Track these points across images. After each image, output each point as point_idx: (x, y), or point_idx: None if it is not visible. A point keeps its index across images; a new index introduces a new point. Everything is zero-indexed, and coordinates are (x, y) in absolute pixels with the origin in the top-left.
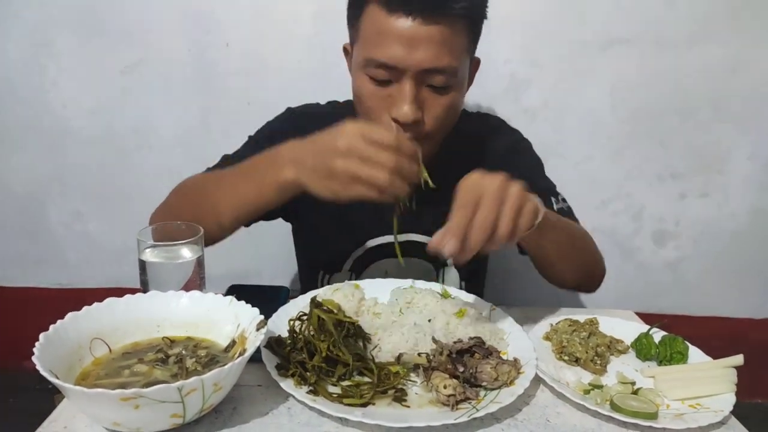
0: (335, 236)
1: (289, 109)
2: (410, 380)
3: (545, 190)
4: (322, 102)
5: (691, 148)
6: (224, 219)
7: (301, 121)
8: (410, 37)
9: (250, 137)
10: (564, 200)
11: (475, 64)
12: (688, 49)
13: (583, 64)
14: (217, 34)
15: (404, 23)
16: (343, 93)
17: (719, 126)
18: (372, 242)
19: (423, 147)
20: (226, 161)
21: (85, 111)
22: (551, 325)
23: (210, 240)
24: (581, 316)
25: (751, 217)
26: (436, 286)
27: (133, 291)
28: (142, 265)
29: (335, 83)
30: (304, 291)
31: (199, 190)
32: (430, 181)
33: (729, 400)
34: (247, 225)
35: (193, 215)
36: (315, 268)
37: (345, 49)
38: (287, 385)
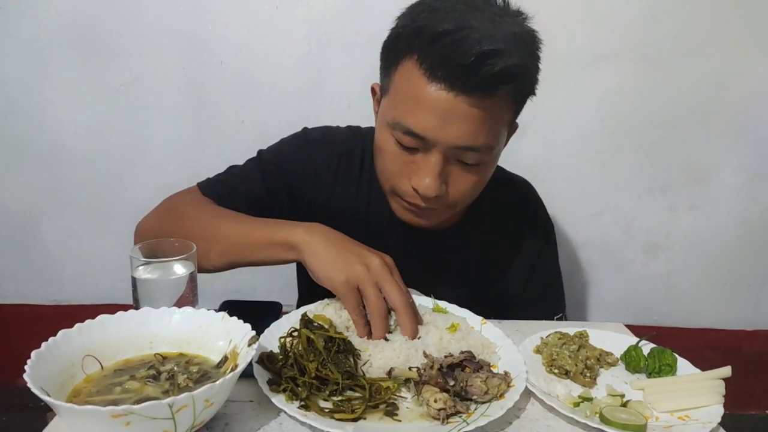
0: None
1: (305, 131)
2: (401, 396)
3: (553, 300)
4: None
5: (679, 160)
6: (217, 258)
7: (315, 152)
8: (448, 110)
9: (259, 152)
10: (560, 297)
11: (513, 129)
12: (673, 63)
13: (570, 79)
14: (212, 53)
15: (443, 95)
16: (337, 112)
17: (706, 138)
18: None
19: (441, 216)
20: (233, 174)
21: (81, 129)
22: (541, 338)
23: (206, 271)
24: (571, 329)
25: (741, 229)
26: (428, 301)
27: (128, 308)
28: (135, 281)
29: (328, 102)
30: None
31: (199, 220)
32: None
33: (717, 411)
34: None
35: (197, 242)
36: (315, 295)
37: (373, 90)
38: (279, 400)
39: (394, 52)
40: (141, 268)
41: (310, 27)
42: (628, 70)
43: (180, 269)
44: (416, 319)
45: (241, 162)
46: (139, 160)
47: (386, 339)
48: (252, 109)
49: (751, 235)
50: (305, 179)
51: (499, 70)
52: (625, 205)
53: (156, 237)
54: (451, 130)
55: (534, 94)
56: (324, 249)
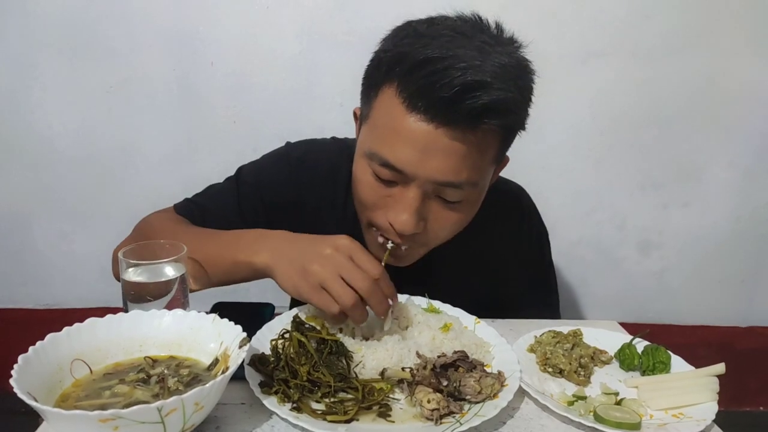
0: None
1: (287, 148)
2: (394, 398)
3: (546, 300)
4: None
5: (671, 158)
6: (198, 281)
7: (298, 172)
8: (427, 143)
9: (239, 171)
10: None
11: (504, 164)
12: (665, 61)
13: (563, 77)
14: (202, 53)
15: (422, 127)
16: (328, 112)
17: (697, 135)
18: None
19: (414, 256)
20: (209, 195)
21: (71, 131)
22: (535, 337)
23: None
24: (565, 328)
25: (733, 225)
26: (421, 301)
27: (119, 311)
28: (124, 284)
29: (320, 101)
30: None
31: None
32: (385, 327)
33: (711, 408)
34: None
35: None
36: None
37: (355, 114)
38: (270, 402)
39: (374, 78)
40: (131, 270)
41: (302, 26)
42: (619, 68)
43: (170, 271)
44: (386, 294)
45: (232, 164)
46: (130, 161)
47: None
48: (243, 109)
49: (744, 232)
50: (286, 202)
51: (483, 104)
52: (618, 202)
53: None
54: (430, 164)
55: (523, 128)
56: (283, 264)
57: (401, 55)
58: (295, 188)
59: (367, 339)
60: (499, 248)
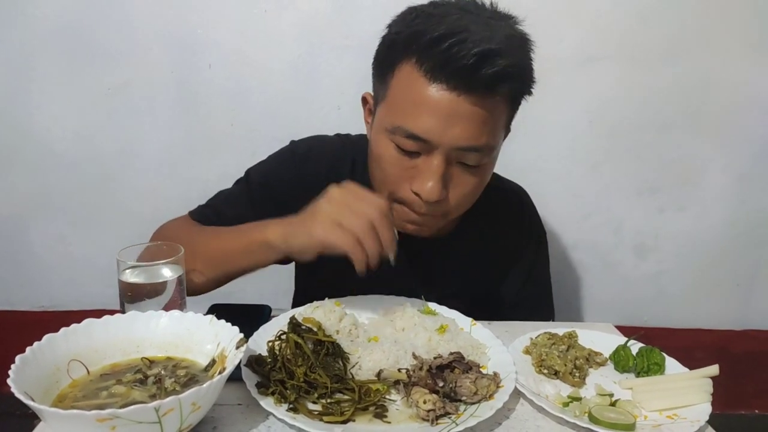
0: (343, 280)
1: (292, 145)
2: (390, 399)
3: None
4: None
5: (668, 162)
6: (210, 272)
7: (303, 167)
8: (450, 111)
9: (247, 173)
10: (551, 304)
11: (506, 134)
12: (662, 65)
13: (560, 81)
14: (201, 57)
15: (445, 96)
16: (327, 116)
17: (694, 140)
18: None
19: (437, 224)
20: (221, 198)
21: (69, 133)
22: (531, 338)
23: (193, 291)
24: (560, 330)
25: (729, 229)
26: (417, 303)
27: (117, 313)
28: (122, 285)
29: (318, 105)
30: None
31: (188, 242)
32: (392, 260)
33: (705, 410)
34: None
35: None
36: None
37: (364, 99)
38: (267, 403)
39: (389, 58)
40: (128, 271)
41: (300, 31)
42: (617, 73)
43: (167, 273)
44: (390, 228)
45: (230, 167)
46: (128, 164)
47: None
48: (242, 113)
49: (740, 236)
50: (295, 195)
51: (499, 70)
52: (614, 206)
53: None
54: (453, 131)
55: (530, 93)
56: (293, 227)
57: (417, 33)
58: (301, 183)
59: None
60: (499, 247)
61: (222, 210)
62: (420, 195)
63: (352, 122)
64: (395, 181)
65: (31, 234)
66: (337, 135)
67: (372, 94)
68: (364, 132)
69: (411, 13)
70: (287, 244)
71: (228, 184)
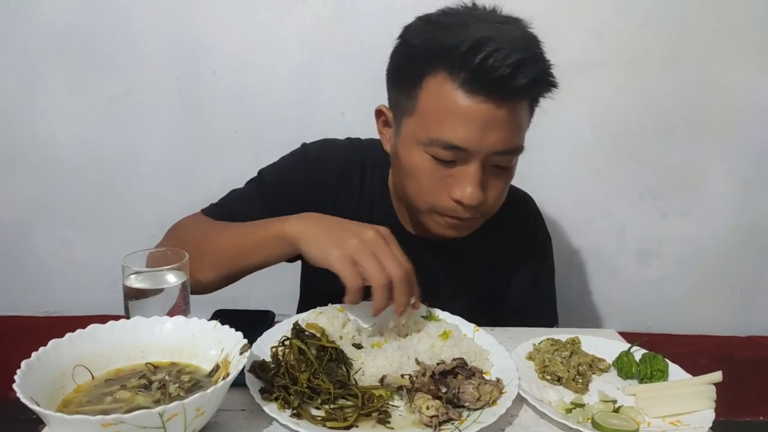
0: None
1: (303, 147)
2: (393, 405)
3: (546, 305)
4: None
5: (670, 167)
6: (223, 267)
7: (315, 170)
8: (488, 120)
9: (260, 173)
10: (554, 311)
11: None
12: (664, 71)
13: (562, 87)
14: (205, 63)
15: (482, 106)
16: (330, 122)
17: (696, 145)
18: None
19: (476, 225)
20: (234, 198)
21: (74, 139)
22: (534, 344)
23: (202, 288)
24: (563, 336)
25: (732, 235)
26: (421, 309)
27: (120, 318)
28: (126, 291)
29: (321, 111)
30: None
31: (201, 236)
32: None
33: (708, 416)
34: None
35: (192, 258)
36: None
37: (379, 112)
38: (271, 408)
39: (414, 70)
40: (132, 277)
41: (303, 37)
42: (619, 79)
43: (172, 278)
44: (410, 294)
45: (233, 173)
46: (132, 170)
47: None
48: (245, 119)
49: (743, 241)
50: (307, 197)
51: (533, 77)
52: (617, 212)
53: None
54: (491, 137)
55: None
56: (317, 230)
57: (446, 46)
58: (312, 186)
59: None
60: (504, 252)
61: (234, 208)
62: (462, 201)
63: (356, 128)
64: (434, 191)
65: (36, 239)
66: (348, 139)
67: (388, 106)
68: (371, 137)
69: (427, 23)
70: (302, 244)
71: (230, 189)
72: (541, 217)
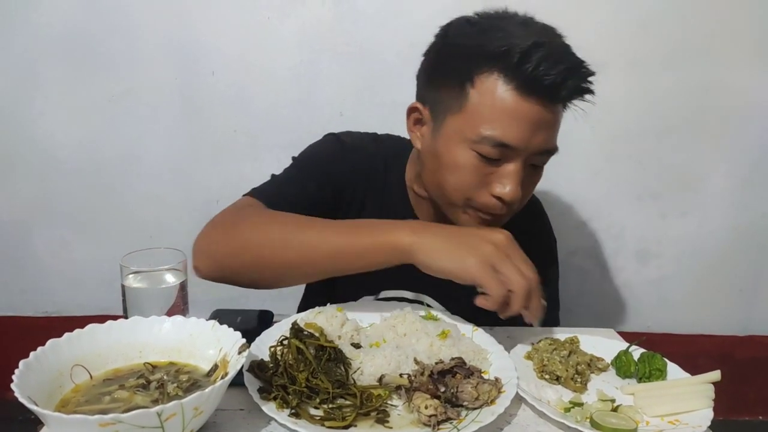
0: (353, 279)
1: (335, 136)
2: (392, 404)
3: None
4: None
5: (669, 167)
6: (312, 268)
7: (351, 159)
8: (537, 121)
9: (297, 159)
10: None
11: None
12: (663, 72)
13: None
14: (204, 64)
15: (534, 107)
16: (329, 122)
17: (695, 145)
18: (386, 293)
19: (500, 223)
20: (282, 181)
21: (73, 140)
22: (532, 344)
23: (270, 284)
24: (562, 335)
25: (731, 235)
26: (419, 309)
27: (119, 318)
28: (125, 290)
29: (320, 111)
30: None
31: (287, 231)
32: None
33: (707, 415)
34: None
35: (274, 255)
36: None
37: (413, 109)
38: (269, 408)
39: (461, 70)
40: (131, 276)
41: (302, 37)
42: (618, 79)
43: (170, 278)
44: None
45: (233, 173)
46: (131, 170)
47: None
48: (244, 120)
49: (742, 241)
50: (346, 184)
51: (582, 82)
52: (616, 212)
53: (229, 253)
54: (538, 138)
55: None
56: (439, 242)
57: (496, 48)
58: (350, 174)
59: None
60: None
61: (286, 195)
62: (503, 198)
63: (354, 128)
64: (474, 187)
65: (35, 240)
66: (366, 133)
67: (422, 104)
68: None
69: (473, 24)
70: (419, 255)
71: (229, 190)
72: (547, 220)
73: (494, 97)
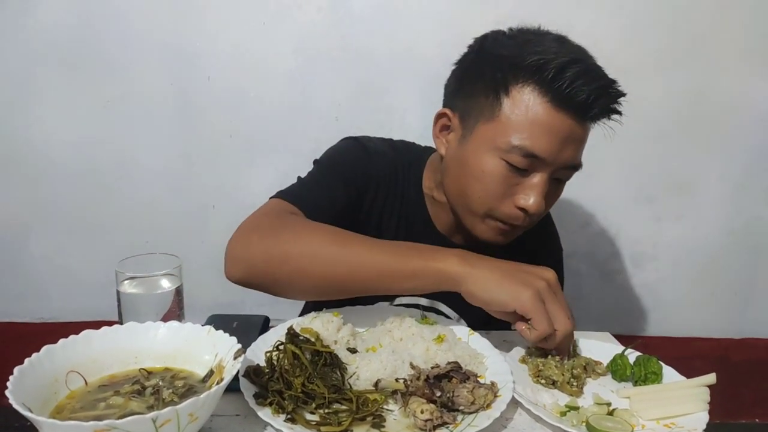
0: None
1: (354, 140)
2: (388, 409)
3: None
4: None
5: (664, 171)
6: (357, 285)
7: (373, 164)
8: (568, 135)
9: (321, 162)
10: None
11: None
12: (657, 76)
13: None
14: (200, 68)
15: (567, 122)
16: (324, 126)
17: (689, 149)
18: (401, 299)
19: (518, 234)
20: (304, 185)
21: (68, 144)
22: (528, 348)
23: (308, 296)
24: None
25: (726, 238)
26: (415, 313)
27: (114, 323)
28: (120, 296)
29: (316, 116)
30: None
31: (334, 245)
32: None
33: (702, 418)
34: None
35: (319, 269)
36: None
37: (442, 114)
38: (265, 413)
39: (497, 79)
40: (126, 282)
41: (298, 42)
42: None
43: (166, 284)
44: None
45: (229, 178)
46: (127, 175)
47: None
48: (240, 123)
49: (737, 244)
50: (368, 188)
51: (612, 104)
52: (611, 215)
53: (269, 261)
54: (567, 152)
55: None
56: (491, 274)
57: (534, 61)
58: (371, 179)
59: None
60: (522, 260)
61: (316, 199)
62: (526, 209)
63: (350, 133)
64: (499, 197)
65: (30, 245)
66: (383, 138)
67: (451, 110)
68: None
69: (510, 37)
70: (468, 284)
71: (225, 194)
72: (554, 229)
73: (528, 108)
